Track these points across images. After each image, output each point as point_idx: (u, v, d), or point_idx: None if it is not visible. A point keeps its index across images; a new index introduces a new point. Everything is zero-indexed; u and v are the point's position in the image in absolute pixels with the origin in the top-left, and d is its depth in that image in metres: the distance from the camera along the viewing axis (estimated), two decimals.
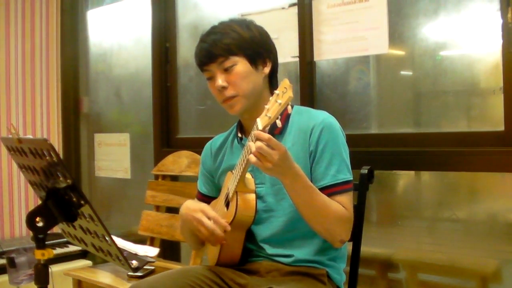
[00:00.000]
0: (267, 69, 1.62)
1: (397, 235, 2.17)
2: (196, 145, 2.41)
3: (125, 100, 3.23)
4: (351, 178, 1.55)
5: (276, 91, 1.31)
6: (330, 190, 1.49)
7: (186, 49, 2.83)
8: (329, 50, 2.16)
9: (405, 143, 1.99)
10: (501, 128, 1.78)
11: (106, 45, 3.33)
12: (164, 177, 2.62)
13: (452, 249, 2.00)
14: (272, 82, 1.66)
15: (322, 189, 1.48)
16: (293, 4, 2.26)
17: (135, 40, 3.11)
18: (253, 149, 1.32)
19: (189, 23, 2.82)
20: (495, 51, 1.79)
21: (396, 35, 2.01)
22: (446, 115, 1.96)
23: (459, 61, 1.92)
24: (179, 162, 2.53)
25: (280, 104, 1.29)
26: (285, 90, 1.29)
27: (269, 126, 1.33)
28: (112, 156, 3.27)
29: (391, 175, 2.10)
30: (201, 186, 1.79)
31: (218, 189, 1.73)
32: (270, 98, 1.33)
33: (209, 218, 1.48)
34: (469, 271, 1.95)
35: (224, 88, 1.56)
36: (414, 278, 2.09)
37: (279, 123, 1.35)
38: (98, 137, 3.38)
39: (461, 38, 1.90)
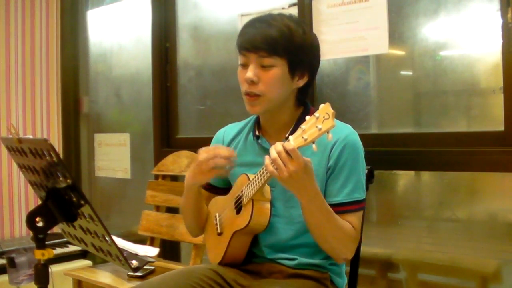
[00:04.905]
0: (301, 82, 1.53)
1: (397, 235, 2.17)
2: (196, 145, 2.39)
3: (125, 100, 3.23)
4: (364, 197, 1.52)
5: (316, 114, 1.23)
6: (342, 208, 1.47)
7: (186, 49, 2.83)
8: (329, 50, 2.15)
9: (405, 143, 1.99)
10: (501, 128, 1.78)
11: (106, 45, 3.33)
12: (164, 177, 2.62)
13: (452, 249, 2.00)
14: (301, 93, 1.58)
15: (334, 205, 1.45)
16: (293, 4, 2.26)
17: (135, 40, 3.10)
18: (273, 154, 1.28)
19: (189, 23, 2.82)
20: (495, 51, 1.79)
21: (396, 35, 2.01)
22: (446, 115, 1.95)
23: (459, 61, 1.91)
24: (179, 162, 2.53)
25: (320, 130, 1.22)
26: (327, 117, 1.22)
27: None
28: (112, 156, 3.27)
29: (391, 175, 2.10)
30: None
31: (224, 180, 1.69)
32: (307, 117, 1.26)
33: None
34: (469, 271, 1.95)
35: (252, 82, 1.48)
36: (414, 278, 2.09)
37: (315, 147, 1.25)
38: (98, 137, 3.37)
39: (461, 38, 1.90)
